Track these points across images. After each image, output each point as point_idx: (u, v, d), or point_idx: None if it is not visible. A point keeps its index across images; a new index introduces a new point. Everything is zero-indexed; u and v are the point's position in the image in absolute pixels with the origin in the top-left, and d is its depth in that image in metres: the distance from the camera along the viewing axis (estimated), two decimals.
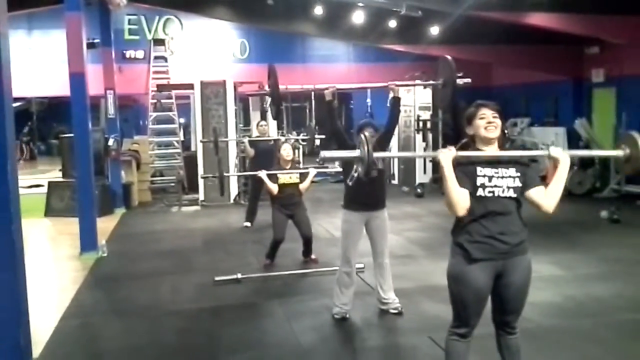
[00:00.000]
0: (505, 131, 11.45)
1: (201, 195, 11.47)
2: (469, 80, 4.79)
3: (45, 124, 22.28)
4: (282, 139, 9.08)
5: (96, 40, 10.55)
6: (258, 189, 9.02)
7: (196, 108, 11.92)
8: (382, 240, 4.96)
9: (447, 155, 2.95)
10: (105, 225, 8.89)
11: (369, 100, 16.49)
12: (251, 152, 8.95)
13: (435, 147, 12.80)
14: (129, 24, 14.47)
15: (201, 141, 10.99)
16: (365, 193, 4.78)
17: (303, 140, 11.69)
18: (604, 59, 13.03)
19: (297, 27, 14.53)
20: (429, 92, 12.09)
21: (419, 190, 11.81)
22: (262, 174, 6.61)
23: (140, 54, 14.49)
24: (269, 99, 6.76)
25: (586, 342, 4.40)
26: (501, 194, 2.97)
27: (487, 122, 3.02)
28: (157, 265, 6.99)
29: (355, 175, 4.06)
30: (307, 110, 16.59)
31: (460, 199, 2.93)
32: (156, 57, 14.53)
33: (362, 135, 3.08)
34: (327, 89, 4.83)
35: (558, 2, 9.81)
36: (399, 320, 4.89)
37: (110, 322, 5.13)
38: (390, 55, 14.88)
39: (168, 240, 8.39)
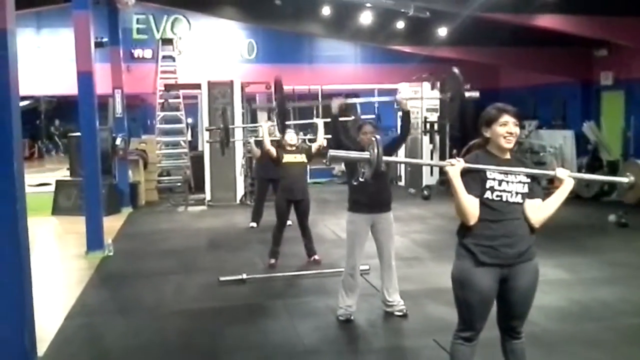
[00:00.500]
0: None
1: (208, 195, 11.50)
2: (477, 93, 4.82)
3: (56, 122, 22.37)
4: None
5: (104, 39, 10.55)
6: (264, 190, 9.02)
7: (203, 108, 11.95)
8: (387, 242, 4.95)
9: (455, 169, 2.94)
10: (111, 224, 8.91)
11: (375, 99, 16.36)
12: (257, 152, 8.95)
13: (442, 150, 12.79)
14: (137, 23, 14.51)
15: (207, 141, 11.02)
16: (369, 195, 4.77)
17: (310, 140, 11.68)
18: (613, 61, 12.94)
19: (305, 27, 14.54)
20: (436, 94, 12.06)
21: (425, 192, 11.78)
22: (265, 125, 6.69)
23: (148, 53, 14.53)
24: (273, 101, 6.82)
25: (591, 346, 4.38)
26: (510, 199, 2.96)
27: (507, 131, 2.99)
28: (163, 264, 7.01)
29: (362, 178, 4.06)
30: (314, 110, 16.52)
31: (471, 209, 2.93)
32: (164, 57, 14.56)
33: (374, 138, 3.07)
34: (334, 96, 4.81)
35: (566, 4, 9.74)
36: (403, 323, 4.88)
37: (115, 321, 5.14)
38: (398, 57, 14.81)
39: (174, 240, 8.41)
